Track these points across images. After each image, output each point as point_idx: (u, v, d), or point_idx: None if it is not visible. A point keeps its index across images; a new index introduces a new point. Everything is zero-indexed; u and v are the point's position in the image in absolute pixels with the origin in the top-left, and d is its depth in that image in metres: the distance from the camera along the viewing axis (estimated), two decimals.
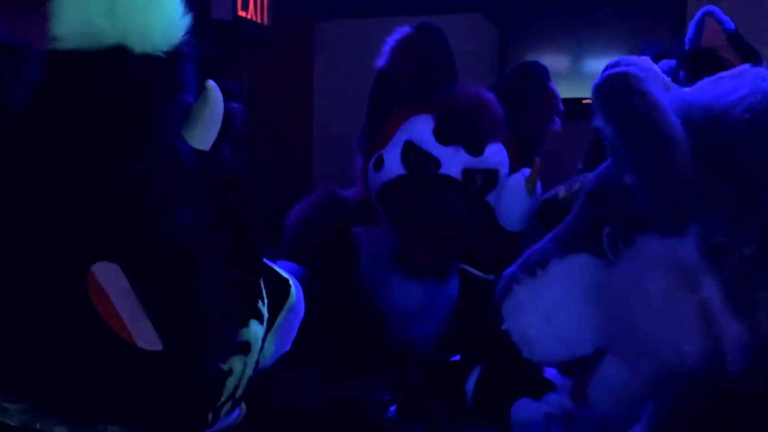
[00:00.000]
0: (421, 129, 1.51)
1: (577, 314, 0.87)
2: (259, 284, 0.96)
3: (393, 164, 1.52)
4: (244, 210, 0.89)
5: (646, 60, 0.85)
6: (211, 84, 0.86)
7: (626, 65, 0.80)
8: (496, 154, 1.54)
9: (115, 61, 0.71)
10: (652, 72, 0.83)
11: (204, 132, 0.85)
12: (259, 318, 0.93)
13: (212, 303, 0.79)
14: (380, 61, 1.56)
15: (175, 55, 0.74)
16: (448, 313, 1.56)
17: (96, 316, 0.73)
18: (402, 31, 1.55)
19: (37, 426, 0.74)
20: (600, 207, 0.88)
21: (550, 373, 1.47)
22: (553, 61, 3.95)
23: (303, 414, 1.08)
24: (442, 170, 1.50)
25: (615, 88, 0.76)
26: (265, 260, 1.01)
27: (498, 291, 0.95)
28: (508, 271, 0.95)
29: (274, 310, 0.99)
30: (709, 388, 0.75)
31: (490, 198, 1.55)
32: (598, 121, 0.78)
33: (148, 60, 0.72)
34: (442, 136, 1.50)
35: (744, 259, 0.73)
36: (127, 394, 0.78)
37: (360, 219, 1.56)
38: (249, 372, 0.90)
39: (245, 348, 0.89)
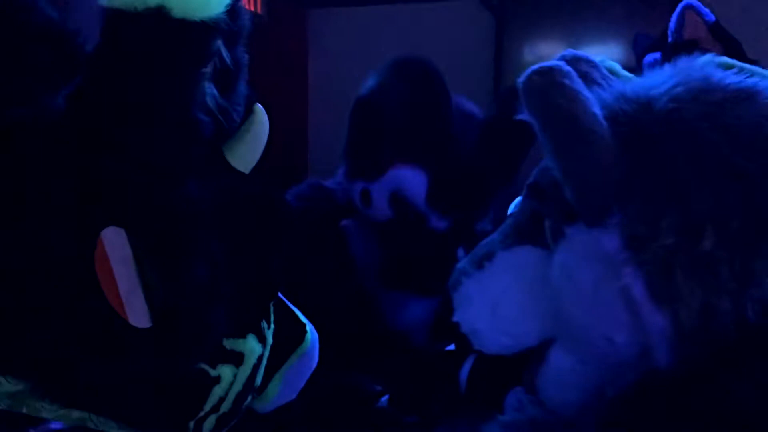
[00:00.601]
0: (412, 185, 1.43)
1: (522, 305, 0.88)
2: (268, 306, 0.95)
3: (381, 206, 1.47)
4: (268, 228, 0.89)
5: (583, 54, 0.86)
6: (259, 107, 0.86)
7: (557, 60, 0.81)
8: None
9: (151, 24, 0.71)
10: (589, 64, 0.84)
11: (246, 154, 0.85)
12: (260, 337, 0.92)
13: (206, 288, 0.79)
14: (363, 89, 1.46)
15: (210, 25, 0.74)
16: (444, 302, 1.56)
17: (95, 289, 0.73)
18: (390, 62, 1.43)
19: (24, 410, 0.74)
20: (539, 200, 0.88)
21: None
22: (550, 49, 3.94)
23: (294, 404, 1.07)
24: (431, 224, 1.46)
25: (536, 82, 0.76)
26: (286, 302, 1.00)
27: (449, 283, 0.96)
28: (460, 264, 0.95)
29: (285, 352, 0.98)
30: (644, 381, 0.75)
31: None
32: (525, 116, 0.78)
33: (183, 25, 0.72)
34: (434, 205, 1.44)
35: (665, 249, 0.73)
36: (111, 381, 0.77)
37: (347, 212, 1.55)
38: (238, 387, 0.88)
39: (238, 359, 0.88)
